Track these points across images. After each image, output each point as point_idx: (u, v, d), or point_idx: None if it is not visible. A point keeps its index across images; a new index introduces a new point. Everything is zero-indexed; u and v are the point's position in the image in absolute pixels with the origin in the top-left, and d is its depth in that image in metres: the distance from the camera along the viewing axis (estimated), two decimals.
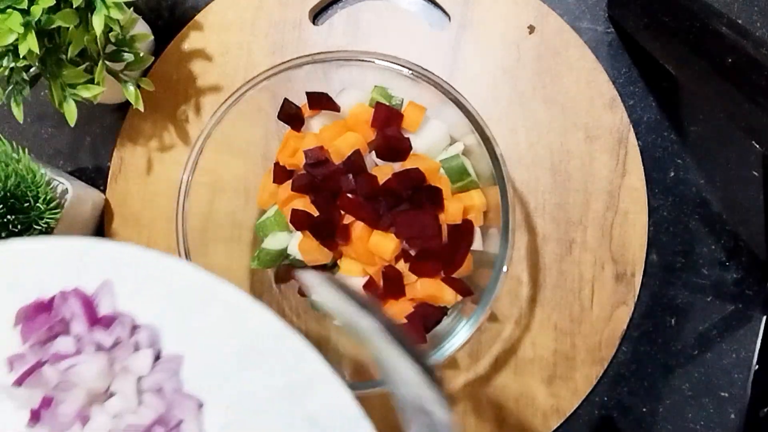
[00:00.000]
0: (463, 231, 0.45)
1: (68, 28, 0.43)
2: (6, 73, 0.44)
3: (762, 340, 0.50)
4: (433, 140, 0.47)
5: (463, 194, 0.46)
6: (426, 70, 0.44)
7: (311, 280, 0.32)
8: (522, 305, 0.51)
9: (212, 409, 0.35)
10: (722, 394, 0.50)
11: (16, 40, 0.41)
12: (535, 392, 0.50)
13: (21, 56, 0.41)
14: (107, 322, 0.36)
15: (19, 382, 0.35)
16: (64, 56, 0.45)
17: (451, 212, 0.44)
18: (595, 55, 0.52)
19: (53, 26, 0.42)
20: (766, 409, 0.49)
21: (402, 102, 0.48)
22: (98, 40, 0.45)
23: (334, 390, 0.34)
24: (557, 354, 0.50)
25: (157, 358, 0.35)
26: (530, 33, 0.52)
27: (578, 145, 0.51)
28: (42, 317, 0.36)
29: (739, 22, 0.46)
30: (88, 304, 0.36)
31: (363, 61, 0.44)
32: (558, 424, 0.50)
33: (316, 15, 0.56)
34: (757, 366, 0.50)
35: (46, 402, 0.35)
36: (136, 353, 0.35)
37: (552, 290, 0.51)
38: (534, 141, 0.52)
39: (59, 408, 0.34)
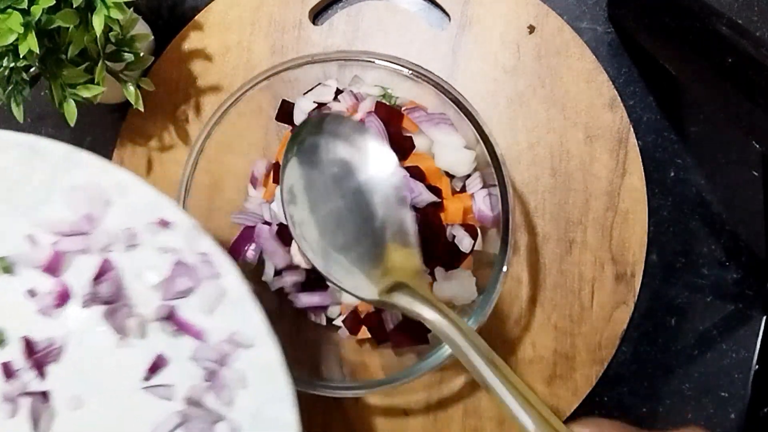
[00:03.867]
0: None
1: (68, 28, 0.43)
2: (6, 73, 0.44)
3: (762, 340, 0.50)
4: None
5: (463, 194, 0.46)
6: (426, 70, 0.44)
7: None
8: (522, 305, 0.51)
9: None
10: (722, 394, 0.50)
11: (16, 40, 0.41)
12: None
13: (21, 56, 0.41)
14: None
15: None
16: (64, 56, 0.45)
17: (451, 212, 0.44)
18: (595, 55, 0.52)
19: (53, 26, 0.42)
20: (766, 409, 0.49)
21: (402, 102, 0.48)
22: (98, 40, 0.45)
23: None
24: (557, 354, 0.50)
25: None
26: (530, 33, 0.52)
27: (578, 145, 0.51)
28: None
29: (739, 22, 0.46)
30: None
31: (363, 61, 0.44)
32: None
33: (316, 15, 0.56)
34: (757, 366, 0.50)
35: None
36: None
37: (552, 290, 0.51)
38: (534, 141, 0.52)
39: None
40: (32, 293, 0.39)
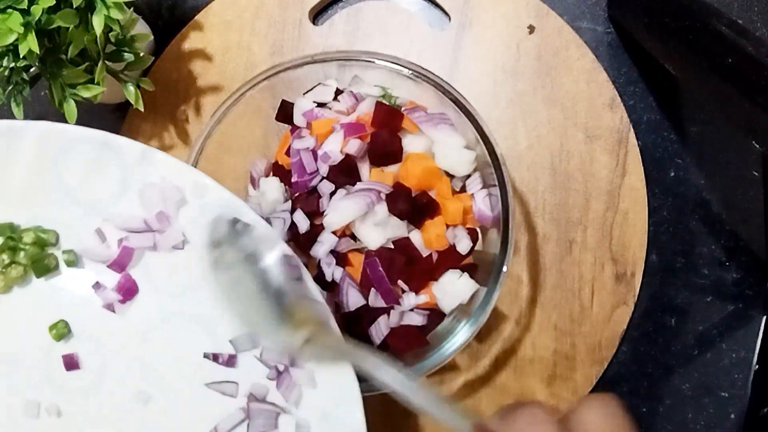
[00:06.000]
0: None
1: (68, 28, 0.43)
2: (6, 73, 0.44)
3: (762, 340, 0.50)
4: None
5: (463, 194, 0.46)
6: (426, 70, 0.44)
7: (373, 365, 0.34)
8: (522, 305, 0.51)
9: None
10: (722, 394, 0.50)
11: (16, 40, 0.41)
12: (535, 392, 0.50)
13: (21, 56, 0.41)
14: None
15: None
16: (64, 56, 0.45)
17: (451, 212, 0.44)
18: (595, 55, 0.52)
19: (53, 26, 0.42)
20: (766, 409, 0.49)
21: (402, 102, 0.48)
22: (98, 40, 0.45)
23: None
24: (557, 354, 0.50)
25: None
26: (530, 33, 0.52)
27: (578, 145, 0.51)
28: None
29: (739, 22, 0.46)
30: None
31: (363, 61, 0.44)
32: None
33: (316, 15, 0.56)
34: (757, 366, 0.50)
35: None
36: None
37: (552, 290, 0.51)
38: (534, 141, 0.52)
39: None
40: (98, 287, 0.40)
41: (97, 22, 0.43)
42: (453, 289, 0.44)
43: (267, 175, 0.49)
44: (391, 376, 0.34)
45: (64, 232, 0.40)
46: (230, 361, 0.39)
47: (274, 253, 0.37)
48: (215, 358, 0.39)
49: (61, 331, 0.39)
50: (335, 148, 0.45)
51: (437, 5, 0.54)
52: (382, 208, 0.44)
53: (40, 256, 0.40)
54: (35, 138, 0.39)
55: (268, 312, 0.36)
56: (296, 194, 0.46)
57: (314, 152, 0.46)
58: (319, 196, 0.45)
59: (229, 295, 0.38)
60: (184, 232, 0.39)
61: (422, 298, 0.45)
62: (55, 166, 0.39)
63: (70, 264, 0.40)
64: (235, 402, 0.39)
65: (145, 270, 0.40)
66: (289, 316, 0.36)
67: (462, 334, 0.43)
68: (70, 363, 0.39)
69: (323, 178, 0.45)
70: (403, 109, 0.47)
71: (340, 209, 0.44)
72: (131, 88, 0.48)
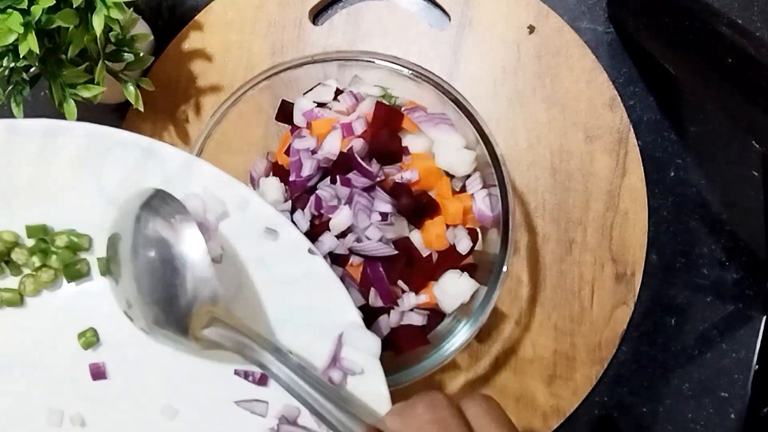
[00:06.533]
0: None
1: (68, 28, 0.43)
2: (6, 73, 0.44)
3: (762, 340, 0.50)
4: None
5: (463, 194, 0.46)
6: (426, 70, 0.44)
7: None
8: (522, 305, 0.51)
9: None
10: (722, 394, 0.50)
11: (16, 40, 0.41)
12: (535, 392, 0.50)
13: (21, 56, 0.41)
14: None
15: None
16: (64, 56, 0.45)
17: (451, 212, 0.44)
18: (595, 55, 0.52)
19: (53, 26, 0.42)
20: (766, 409, 0.49)
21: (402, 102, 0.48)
22: (98, 40, 0.45)
23: None
24: (557, 354, 0.50)
25: None
26: (530, 33, 0.52)
27: (578, 145, 0.51)
28: None
29: (739, 22, 0.46)
30: None
31: (363, 61, 0.44)
32: (558, 424, 0.50)
33: (316, 15, 0.56)
34: (757, 366, 0.50)
35: None
36: None
37: (552, 290, 0.51)
38: (534, 141, 0.52)
39: None
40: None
41: (97, 22, 0.43)
42: (453, 289, 0.44)
43: (267, 175, 0.49)
44: (283, 373, 0.34)
45: (98, 237, 0.39)
46: (261, 380, 0.38)
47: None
48: (246, 375, 0.38)
49: (90, 339, 0.38)
50: (335, 148, 0.45)
51: (437, 5, 0.54)
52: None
53: (72, 261, 0.38)
54: (78, 139, 0.38)
55: (170, 304, 0.35)
56: (296, 194, 0.46)
57: (314, 152, 0.46)
58: (318, 197, 0.45)
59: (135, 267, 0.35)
60: (222, 245, 0.38)
61: (422, 298, 0.45)
62: (94, 170, 0.38)
63: (104, 274, 0.39)
64: (264, 422, 0.37)
65: None
66: (189, 311, 0.35)
67: (462, 334, 0.43)
68: (97, 372, 0.38)
69: (322, 177, 0.45)
70: (403, 109, 0.47)
71: (346, 210, 0.44)
72: (131, 88, 0.48)
